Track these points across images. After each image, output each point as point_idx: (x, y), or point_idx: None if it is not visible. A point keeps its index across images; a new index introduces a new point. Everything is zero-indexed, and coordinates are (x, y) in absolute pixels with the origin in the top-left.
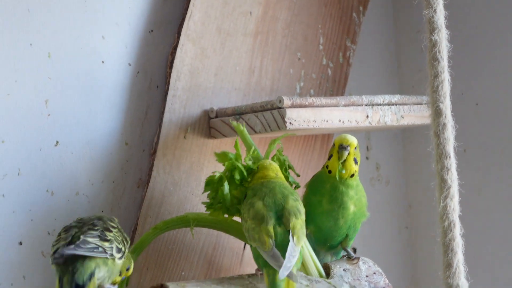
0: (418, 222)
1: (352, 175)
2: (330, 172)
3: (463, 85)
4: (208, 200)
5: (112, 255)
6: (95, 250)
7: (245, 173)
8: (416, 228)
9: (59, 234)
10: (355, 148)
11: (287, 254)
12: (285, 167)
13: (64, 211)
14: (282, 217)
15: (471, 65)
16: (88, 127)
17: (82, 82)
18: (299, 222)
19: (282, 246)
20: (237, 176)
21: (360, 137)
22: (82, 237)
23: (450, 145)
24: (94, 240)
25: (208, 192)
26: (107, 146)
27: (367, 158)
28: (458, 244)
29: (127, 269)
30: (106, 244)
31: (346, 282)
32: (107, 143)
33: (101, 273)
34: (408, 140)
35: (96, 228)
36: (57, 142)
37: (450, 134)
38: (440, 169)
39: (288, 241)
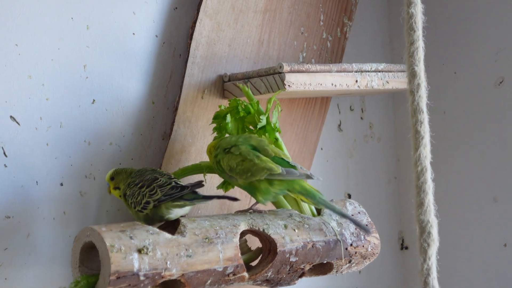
0: (405, 173)
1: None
2: None
3: (443, 57)
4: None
5: None
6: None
7: (245, 108)
8: (403, 178)
9: (143, 184)
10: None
11: (297, 166)
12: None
13: (99, 158)
14: (260, 152)
15: (450, 39)
16: (120, 88)
17: (116, 51)
18: (274, 147)
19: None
20: (240, 110)
21: (356, 100)
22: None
23: (423, 102)
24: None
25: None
26: (136, 104)
27: (361, 118)
28: (429, 186)
29: None
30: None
31: (334, 220)
32: (136, 102)
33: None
34: (398, 103)
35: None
36: (94, 100)
37: (423, 92)
38: (415, 122)
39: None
